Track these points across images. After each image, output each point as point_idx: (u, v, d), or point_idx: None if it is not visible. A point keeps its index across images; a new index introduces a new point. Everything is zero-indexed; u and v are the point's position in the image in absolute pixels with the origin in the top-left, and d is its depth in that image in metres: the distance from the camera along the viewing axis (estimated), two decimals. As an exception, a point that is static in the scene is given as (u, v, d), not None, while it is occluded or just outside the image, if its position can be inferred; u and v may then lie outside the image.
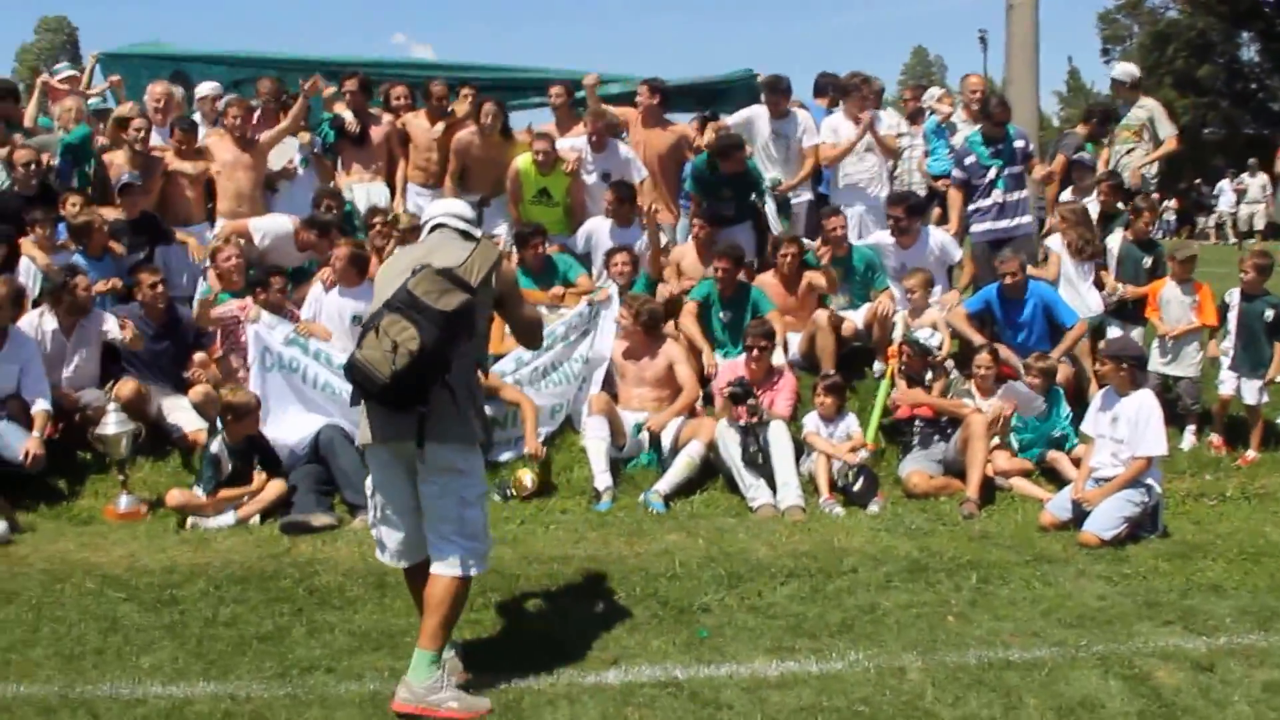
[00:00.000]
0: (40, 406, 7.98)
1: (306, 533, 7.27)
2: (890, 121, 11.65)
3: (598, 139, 10.69)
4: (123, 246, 9.31)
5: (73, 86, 11.30)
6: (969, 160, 10.46)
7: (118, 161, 9.93)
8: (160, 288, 8.71)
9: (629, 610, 6.14)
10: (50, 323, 8.43)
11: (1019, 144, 10.46)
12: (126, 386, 8.28)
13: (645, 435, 8.60)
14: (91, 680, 5.26)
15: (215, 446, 7.81)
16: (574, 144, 10.82)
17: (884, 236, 10.28)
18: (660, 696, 5.11)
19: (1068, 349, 9.21)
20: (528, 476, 8.24)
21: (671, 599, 6.28)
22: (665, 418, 8.65)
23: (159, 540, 7.19)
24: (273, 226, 9.86)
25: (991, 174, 10.38)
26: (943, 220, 10.91)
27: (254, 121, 10.65)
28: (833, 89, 11.80)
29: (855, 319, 9.67)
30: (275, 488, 7.80)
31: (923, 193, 11.18)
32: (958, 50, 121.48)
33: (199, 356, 8.62)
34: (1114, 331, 9.71)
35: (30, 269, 9.02)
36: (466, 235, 5.28)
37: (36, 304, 8.68)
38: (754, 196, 10.63)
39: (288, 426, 8.32)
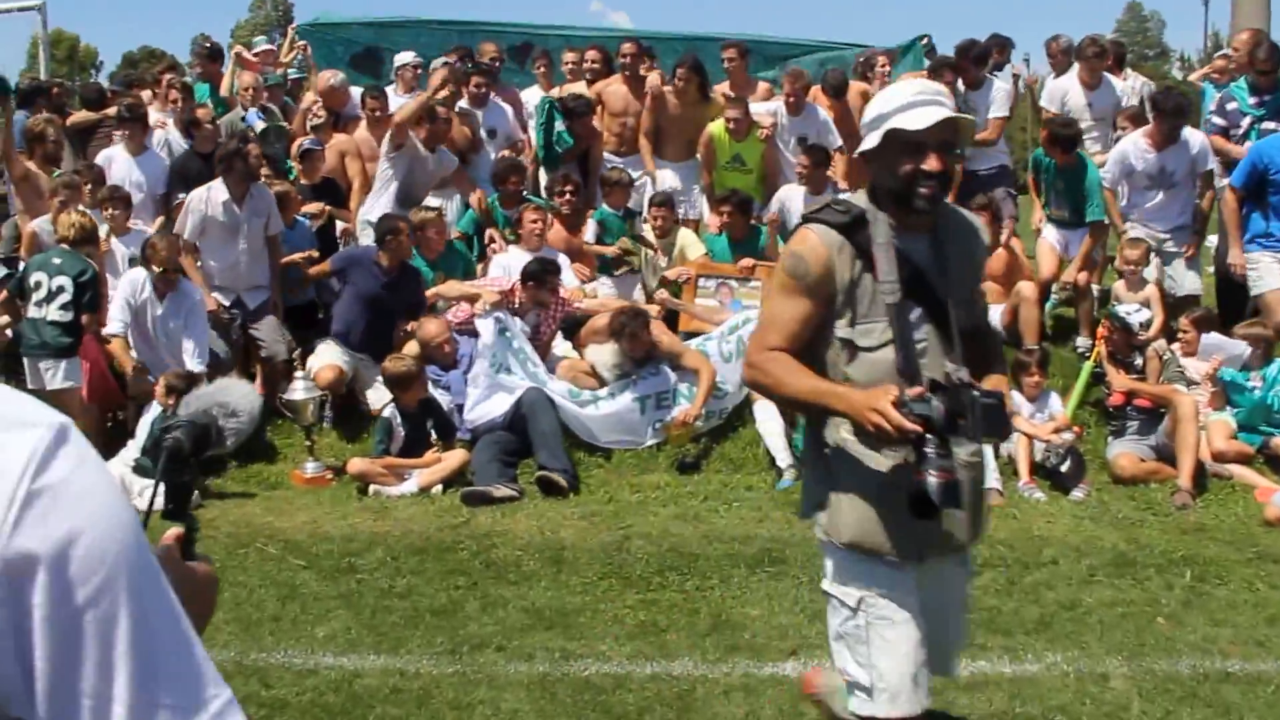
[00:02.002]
0: (195, 366, 7.97)
1: (487, 504, 7.19)
2: (1121, 86, 11.09)
3: (794, 100, 10.34)
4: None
5: (265, 60, 11.49)
6: (1230, 106, 9.99)
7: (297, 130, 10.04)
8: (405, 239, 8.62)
9: (811, 596, 5.84)
10: (221, 193, 8.48)
11: None
12: (327, 374, 8.19)
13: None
14: (267, 648, 5.28)
15: (388, 412, 7.82)
16: (769, 108, 10.49)
17: (1138, 141, 9.68)
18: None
19: None
20: (674, 433, 8.05)
21: (855, 585, 5.99)
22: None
23: (341, 507, 7.23)
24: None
25: (1246, 123, 9.85)
26: None
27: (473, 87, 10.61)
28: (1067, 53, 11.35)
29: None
30: (457, 457, 7.75)
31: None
32: (1175, 4, 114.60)
33: (412, 325, 8.57)
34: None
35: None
36: None
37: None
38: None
39: (493, 406, 8.11)
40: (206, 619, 1.63)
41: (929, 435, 2.98)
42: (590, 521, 6.95)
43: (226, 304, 8.64)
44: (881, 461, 3.16)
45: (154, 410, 7.56)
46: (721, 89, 10.76)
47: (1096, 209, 9.40)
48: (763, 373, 3.30)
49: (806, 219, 3.35)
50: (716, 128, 10.26)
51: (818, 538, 3.39)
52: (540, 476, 7.58)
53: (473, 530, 6.76)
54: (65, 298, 7.70)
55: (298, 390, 7.79)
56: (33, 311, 7.78)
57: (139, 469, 7.22)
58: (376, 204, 9.61)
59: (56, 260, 7.80)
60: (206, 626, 1.53)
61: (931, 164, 3.11)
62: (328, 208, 9.42)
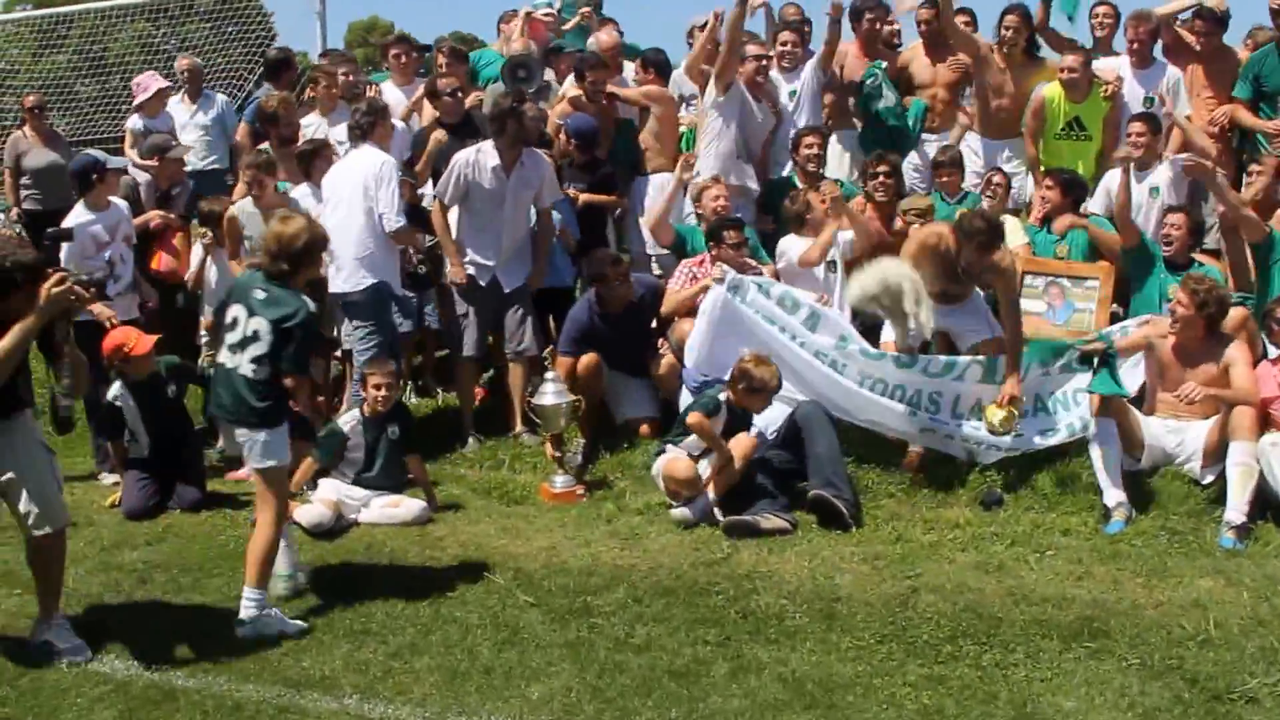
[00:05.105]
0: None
1: (753, 536, 6.21)
2: None
3: (1139, 49, 8.63)
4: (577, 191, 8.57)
5: (553, 22, 10.75)
6: None
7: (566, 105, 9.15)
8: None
9: (1141, 687, 4.62)
10: (491, 157, 7.64)
11: None
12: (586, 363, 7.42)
13: None
14: (467, 708, 4.51)
15: None
16: (1111, 63, 8.78)
17: None
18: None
19: None
20: (997, 415, 6.81)
21: (1201, 677, 4.68)
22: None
23: (586, 530, 6.40)
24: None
25: None
26: None
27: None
28: None
29: None
30: (743, 444, 6.68)
31: None
32: None
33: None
34: None
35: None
36: None
37: None
38: None
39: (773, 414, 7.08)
40: None
41: None
42: (873, 566, 5.86)
43: (483, 283, 7.81)
44: None
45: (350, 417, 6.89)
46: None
47: None
48: None
49: None
50: (1051, 89, 8.66)
51: None
52: (815, 496, 6.50)
53: (732, 569, 5.78)
54: (260, 349, 5.24)
55: (547, 394, 6.96)
56: (224, 356, 5.39)
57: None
58: (706, 161, 8.56)
59: (260, 295, 5.29)
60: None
61: None
62: (583, 195, 8.55)
